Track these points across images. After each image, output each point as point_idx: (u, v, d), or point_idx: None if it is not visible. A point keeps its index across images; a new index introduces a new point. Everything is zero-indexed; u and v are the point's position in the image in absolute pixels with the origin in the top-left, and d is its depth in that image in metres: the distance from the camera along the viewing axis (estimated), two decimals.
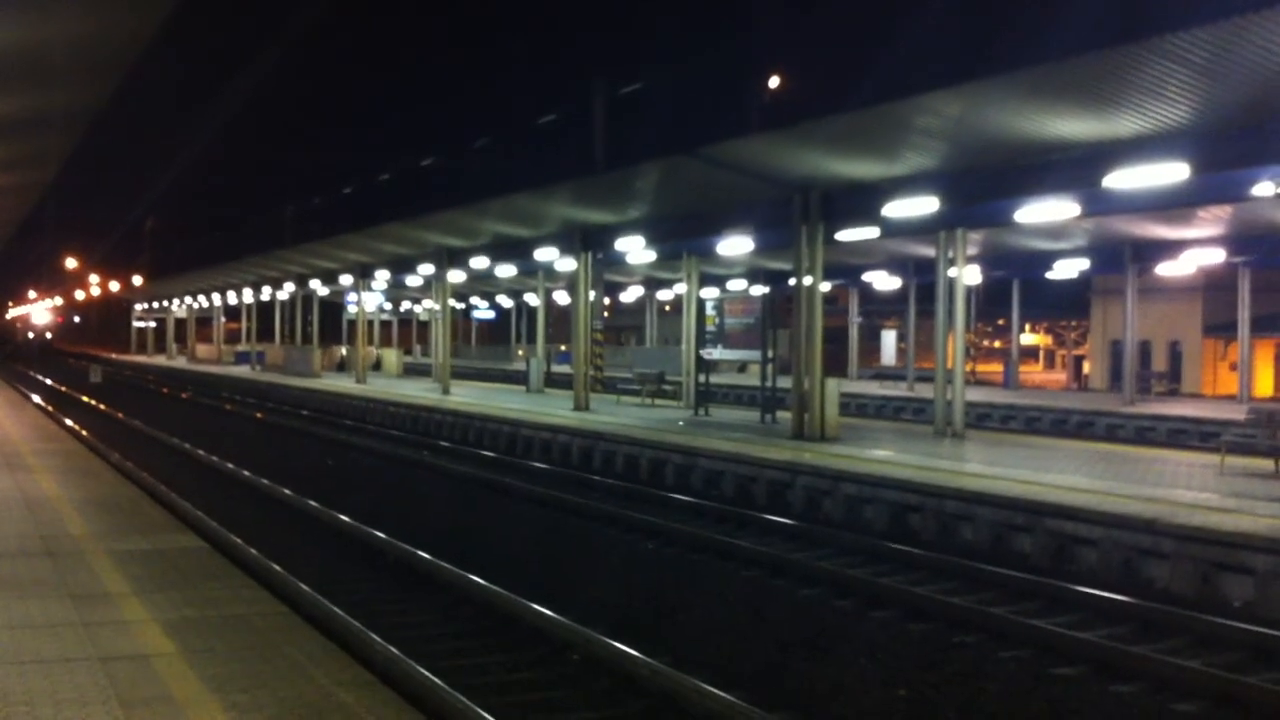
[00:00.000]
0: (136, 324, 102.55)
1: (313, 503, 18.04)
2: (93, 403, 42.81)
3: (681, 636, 10.96)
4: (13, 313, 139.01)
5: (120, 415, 36.10)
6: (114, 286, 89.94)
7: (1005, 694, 9.45)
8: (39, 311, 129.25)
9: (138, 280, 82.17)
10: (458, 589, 12.55)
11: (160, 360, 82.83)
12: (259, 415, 38.51)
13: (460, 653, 10.34)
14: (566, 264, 34.86)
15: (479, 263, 38.79)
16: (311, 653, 7.83)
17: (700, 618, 11.79)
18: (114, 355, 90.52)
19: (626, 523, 17.09)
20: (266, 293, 64.36)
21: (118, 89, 19.52)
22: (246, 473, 21.73)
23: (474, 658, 10.22)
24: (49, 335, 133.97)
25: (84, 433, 28.11)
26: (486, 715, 8.08)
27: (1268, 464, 18.08)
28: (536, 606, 11.25)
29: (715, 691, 8.68)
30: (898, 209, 21.55)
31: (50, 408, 35.77)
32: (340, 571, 13.67)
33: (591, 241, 31.36)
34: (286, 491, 19.29)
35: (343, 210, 42.50)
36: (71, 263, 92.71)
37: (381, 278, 48.57)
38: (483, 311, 73.68)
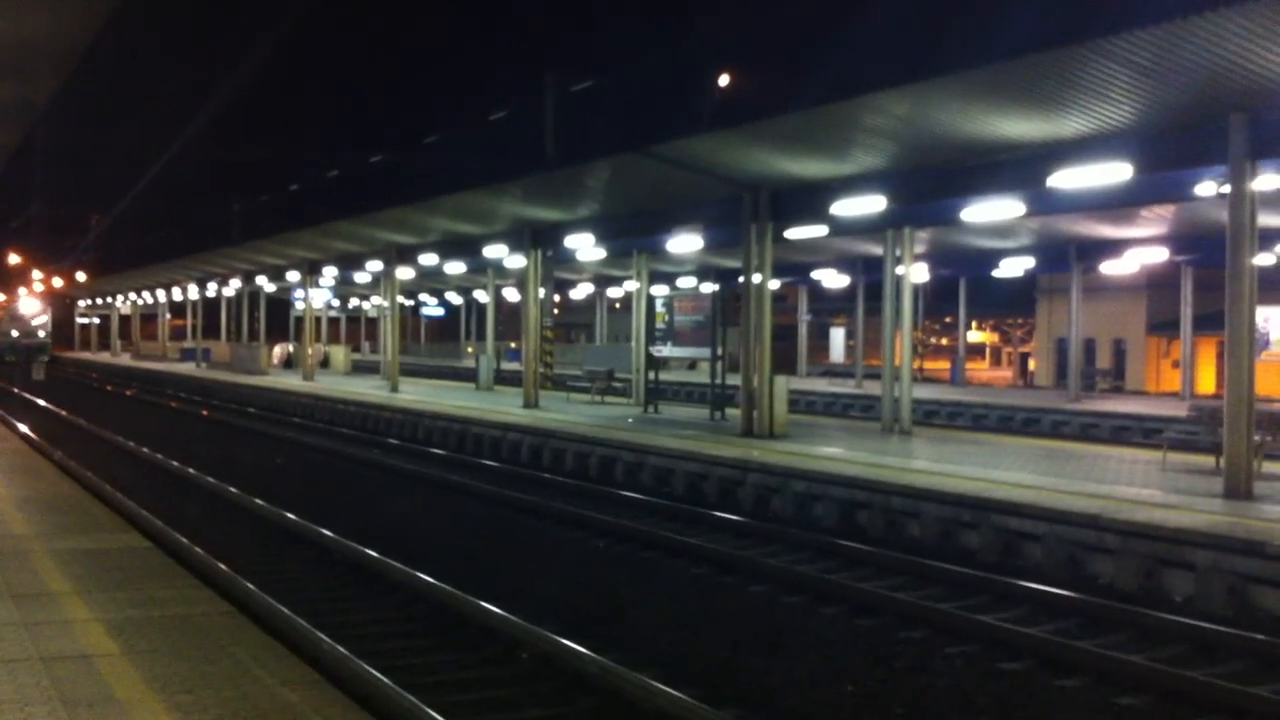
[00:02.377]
0: (80, 320, 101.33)
1: (259, 501, 17.89)
2: (36, 400, 42.25)
3: (631, 634, 10.97)
4: None
5: (64, 413, 35.67)
6: (57, 283, 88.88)
7: (952, 688, 9.53)
8: None
9: (81, 277, 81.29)
10: (407, 588, 12.50)
11: (105, 357, 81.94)
12: (205, 413, 38.17)
13: (409, 651, 10.30)
14: (516, 261, 34.80)
15: (428, 260, 38.63)
16: (257, 653, 7.77)
17: (650, 615, 11.81)
18: (57, 352, 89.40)
19: (577, 520, 17.08)
20: (212, 289, 63.77)
21: (63, 84, 19.33)
22: (192, 471, 21.53)
23: (422, 656, 10.18)
24: None
25: (26, 431, 27.74)
26: (434, 714, 8.05)
27: (1209, 460, 18.31)
28: (485, 605, 11.22)
29: (664, 689, 8.70)
30: (846, 208, 21.67)
31: None
32: (287, 571, 13.59)
33: (541, 239, 31.33)
34: (233, 490, 19.13)
35: (291, 207, 42.19)
36: (14, 259, 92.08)
37: (329, 274, 48.28)
38: (432, 309, 73.36)
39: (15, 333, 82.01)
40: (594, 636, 10.41)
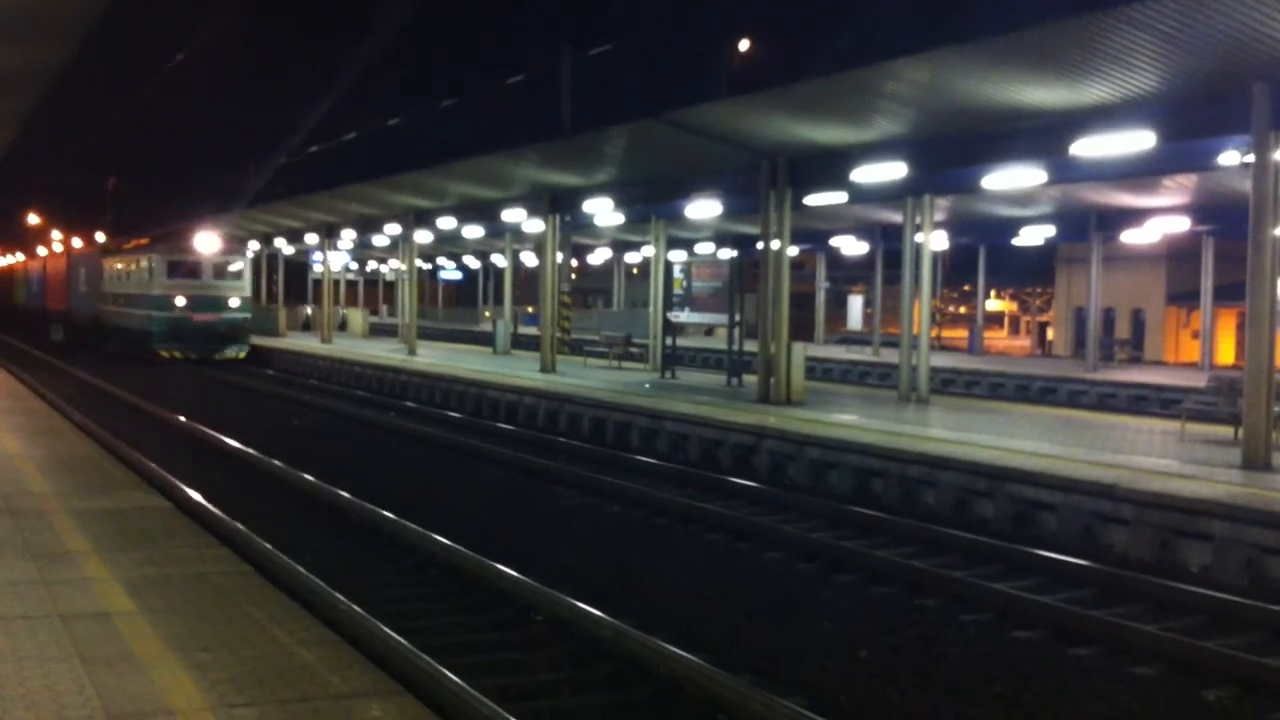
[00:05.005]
0: None
1: (277, 462, 17.97)
2: (54, 361, 42.35)
3: (646, 599, 11.00)
4: None
5: (82, 374, 35.75)
6: (76, 244, 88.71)
7: (965, 657, 9.54)
8: None
9: (101, 238, 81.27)
10: (423, 550, 12.55)
11: None
12: (222, 374, 38.26)
13: (424, 614, 10.35)
14: (534, 226, 34.76)
15: (446, 224, 38.60)
16: (274, 612, 7.82)
17: (664, 581, 11.84)
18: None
19: (592, 486, 17.10)
20: None
21: (80, 49, 19.30)
22: (211, 432, 21.60)
23: (438, 619, 10.23)
24: None
25: (46, 391, 27.85)
26: (450, 674, 8.09)
27: (1227, 431, 18.26)
28: (500, 567, 11.26)
29: (679, 653, 8.73)
30: (866, 175, 21.57)
31: (9, 365, 35.38)
32: (304, 532, 13.64)
33: (559, 204, 31.27)
34: (252, 451, 19.21)
35: (309, 169, 42.10)
36: (34, 219, 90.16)
37: (348, 237, 48.26)
38: (449, 272, 73.32)
39: (182, 300, 41.56)
40: (608, 601, 10.43)
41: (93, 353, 44.59)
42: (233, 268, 42.53)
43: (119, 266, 47.22)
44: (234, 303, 42.10)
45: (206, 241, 42.19)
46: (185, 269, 41.45)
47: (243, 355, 41.80)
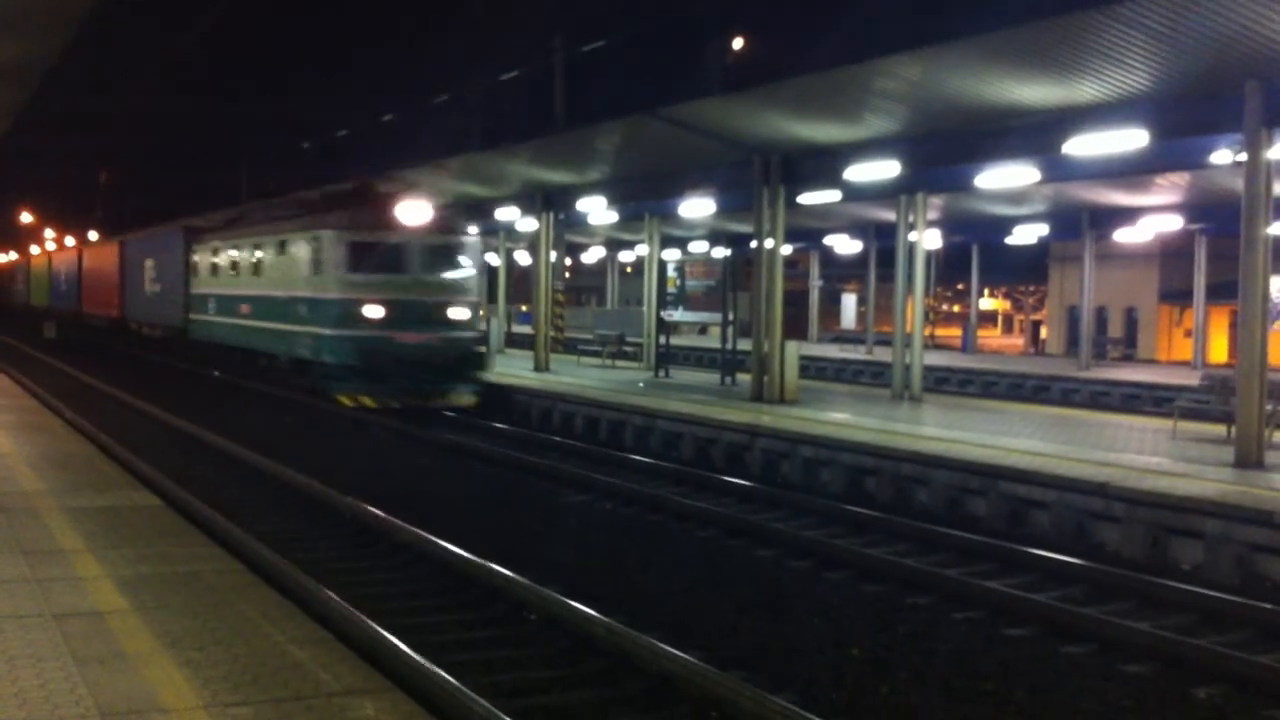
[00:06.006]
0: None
1: (269, 461, 17.90)
2: (50, 360, 42.08)
3: (639, 597, 11.01)
4: None
5: (79, 373, 35.59)
6: (69, 242, 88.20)
7: (957, 654, 9.56)
8: None
9: (93, 235, 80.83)
10: (415, 548, 12.53)
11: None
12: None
13: (416, 611, 10.35)
14: (528, 224, 34.73)
15: None
16: (267, 610, 7.82)
17: (657, 578, 11.85)
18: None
19: (585, 483, 17.10)
20: None
21: (73, 39, 19.25)
22: (192, 426, 21.51)
23: (430, 616, 10.23)
24: None
25: (39, 389, 27.76)
26: (442, 672, 8.09)
27: (1220, 429, 18.29)
28: (493, 566, 11.25)
29: (670, 651, 8.73)
30: (859, 173, 21.58)
31: (2, 364, 35.26)
32: (294, 529, 13.62)
33: (553, 202, 31.26)
34: (237, 446, 19.14)
35: (304, 163, 42.12)
36: (26, 217, 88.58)
37: None
38: None
39: (378, 309, 24.48)
40: (601, 599, 10.44)
41: (84, 352, 44.06)
42: (458, 255, 25.76)
43: (231, 254, 31.75)
44: (460, 313, 25.31)
45: (415, 211, 25.13)
46: (381, 256, 24.69)
47: (474, 403, 24.99)
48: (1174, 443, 17.80)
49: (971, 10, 15.28)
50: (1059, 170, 23.51)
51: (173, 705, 6.00)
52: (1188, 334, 43.33)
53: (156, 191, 59.26)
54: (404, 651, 8.47)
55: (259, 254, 29.01)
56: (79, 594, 8.07)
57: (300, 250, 26.23)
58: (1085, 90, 16.44)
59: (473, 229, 26.86)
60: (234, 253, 31.31)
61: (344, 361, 24.12)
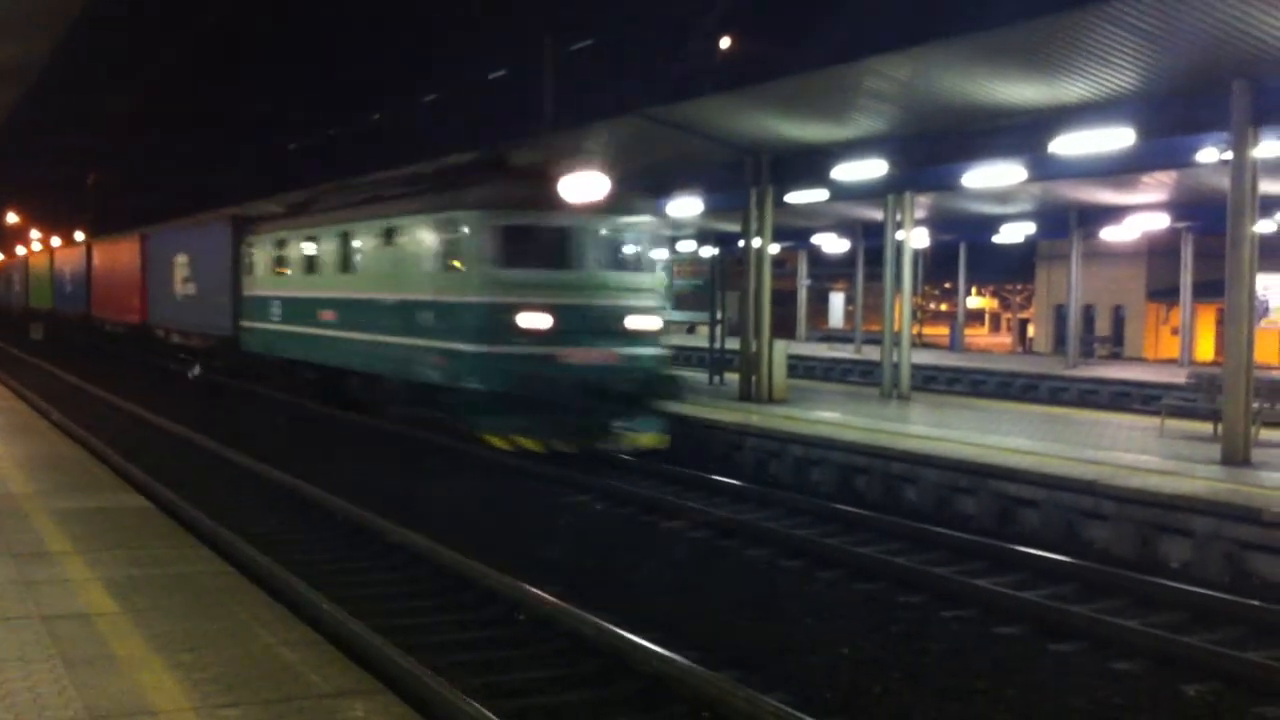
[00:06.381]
0: None
1: (244, 456, 17.86)
2: (37, 362, 41.76)
3: (630, 597, 10.99)
4: None
5: (66, 375, 35.39)
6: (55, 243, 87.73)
7: (948, 652, 9.57)
8: None
9: (79, 236, 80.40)
10: (406, 549, 12.50)
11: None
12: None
13: (408, 613, 10.32)
14: None
15: None
16: (257, 613, 7.80)
17: (649, 578, 11.84)
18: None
19: (576, 484, 17.05)
20: None
21: (64, 39, 19.21)
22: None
23: (422, 617, 10.21)
24: None
25: (26, 390, 27.64)
26: (432, 674, 8.07)
27: (1207, 427, 18.34)
28: (485, 566, 11.23)
29: (662, 651, 8.73)
30: (847, 172, 21.60)
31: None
32: (284, 530, 13.58)
33: None
34: (230, 450, 19.11)
35: (313, 162, 41.81)
36: (12, 218, 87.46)
37: None
38: None
39: (544, 318, 18.03)
40: (592, 599, 10.43)
41: (72, 352, 43.57)
42: (640, 244, 19.72)
43: (305, 247, 25.20)
44: (645, 322, 19.17)
45: (588, 186, 18.85)
46: (544, 246, 18.61)
47: (663, 444, 18.64)
48: (1162, 440, 17.85)
49: (961, 10, 15.29)
50: (1046, 169, 23.56)
51: (163, 707, 5.98)
52: (1175, 332, 43.47)
53: (186, 179, 54.39)
54: (395, 651, 8.45)
55: (354, 244, 22.58)
56: (68, 596, 8.05)
57: (421, 239, 19.80)
58: (1073, 89, 16.48)
59: (650, 209, 20.70)
60: (310, 245, 24.91)
61: (494, 388, 17.69)
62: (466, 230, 18.55)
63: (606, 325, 18.37)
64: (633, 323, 18.68)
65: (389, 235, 20.92)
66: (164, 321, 37.00)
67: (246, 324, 28.63)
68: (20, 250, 75.51)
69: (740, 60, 22.14)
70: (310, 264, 24.84)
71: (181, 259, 34.80)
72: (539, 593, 10.32)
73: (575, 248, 18.43)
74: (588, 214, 18.55)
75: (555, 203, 18.35)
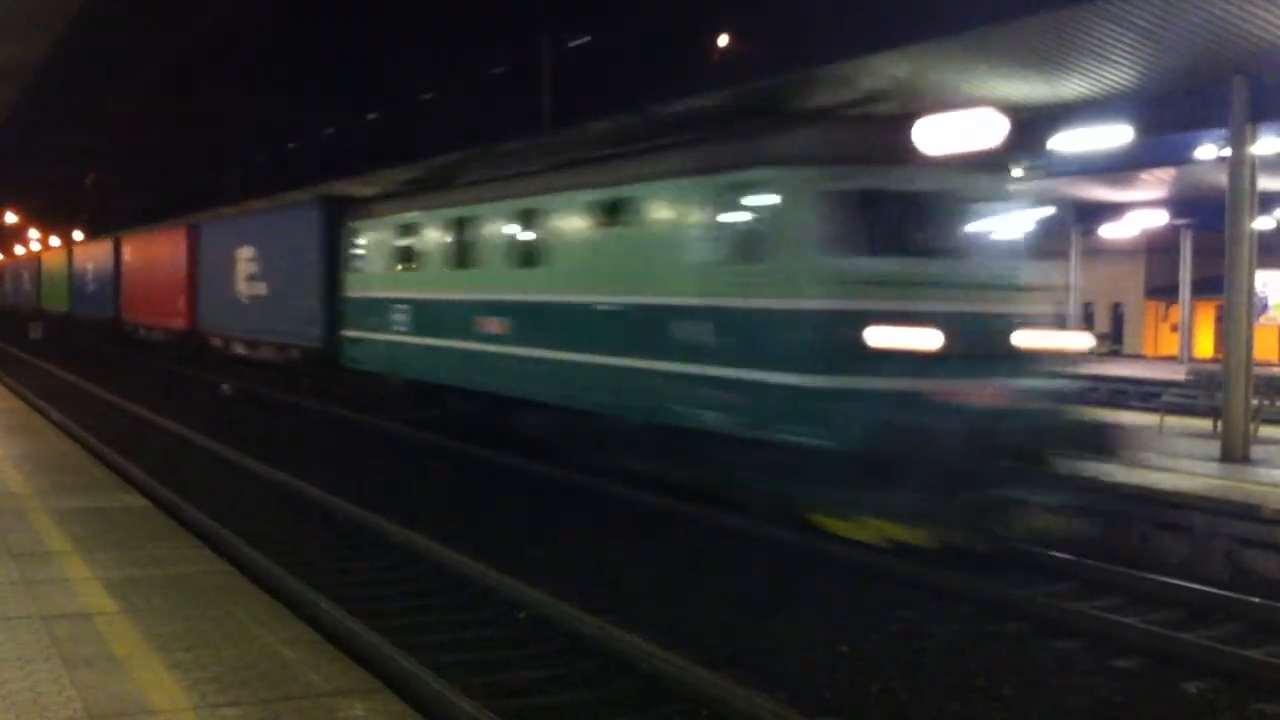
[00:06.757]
0: None
1: (260, 462, 17.83)
2: (39, 362, 41.49)
3: (627, 597, 10.99)
4: None
5: (68, 374, 35.34)
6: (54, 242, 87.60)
7: (947, 650, 9.55)
8: None
9: (78, 236, 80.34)
10: (404, 548, 12.50)
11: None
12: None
13: (406, 611, 10.32)
14: None
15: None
16: (256, 612, 7.80)
17: (647, 579, 11.84)
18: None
19: (577, 484, 16.99)
20: None
21: (60, 39, 19.20)
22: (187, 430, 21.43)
23: (421, 616, 10.20)
24: None
25: (24, 389, 27.59)
26: (431, 673, 8.07)
27: (1206, 424, 18.34)
28: (483, 566, 11.23)
29: (661, 652, 8.72)
30: None
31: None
32: (280, 527, 13.56)
33: None
34: (233, 451, 19.06)
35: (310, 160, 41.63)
36: (11, 218, 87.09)
37: None
38: None
39: (935, 336, 11.06)
40: (591, 599, 10.42)
41: (74, 351, 43.29)
42: (1026, 220, 13.11)
43: (457, 232, 18.96)
44: (1048, 339, 12.51)
45: (971, 131, 11.61)
46: (909, 223, 12.21)
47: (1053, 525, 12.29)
48: (1161, 438, 17.83)
49: (959, 7, 15.28)
50: (1044, 166, 23.55)
51: (162, 707, 5.98)
52: (1174, 329, 43.48)
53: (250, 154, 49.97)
54: (394, 649, 8.44)
55: (545, 226, 16.35)
56: (68, 596, 8.04)
57: (684, 213, 13.71)
58: (1071, 86, 16.49)
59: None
60: (460, 229, 18.82)
61: (842, 444, 11.15)
62: (778, 198, 12.29)
63: (997, 344, 11.97)
64: (1026, 340, 12.16)
65: (614, 211, 14.85)
66: (220, 328, 31.47)
67: (351, 333, 22.69)
68: (19, 250, 75.19)
69: (738, 58, 22.05)
70: (462, 255, 18.70)
71: (246, 252, 29.34)
72: None
73: (947, 227, 12.38)
74: (960, 175, 12.28)
75: (917, 157, 11.87)
